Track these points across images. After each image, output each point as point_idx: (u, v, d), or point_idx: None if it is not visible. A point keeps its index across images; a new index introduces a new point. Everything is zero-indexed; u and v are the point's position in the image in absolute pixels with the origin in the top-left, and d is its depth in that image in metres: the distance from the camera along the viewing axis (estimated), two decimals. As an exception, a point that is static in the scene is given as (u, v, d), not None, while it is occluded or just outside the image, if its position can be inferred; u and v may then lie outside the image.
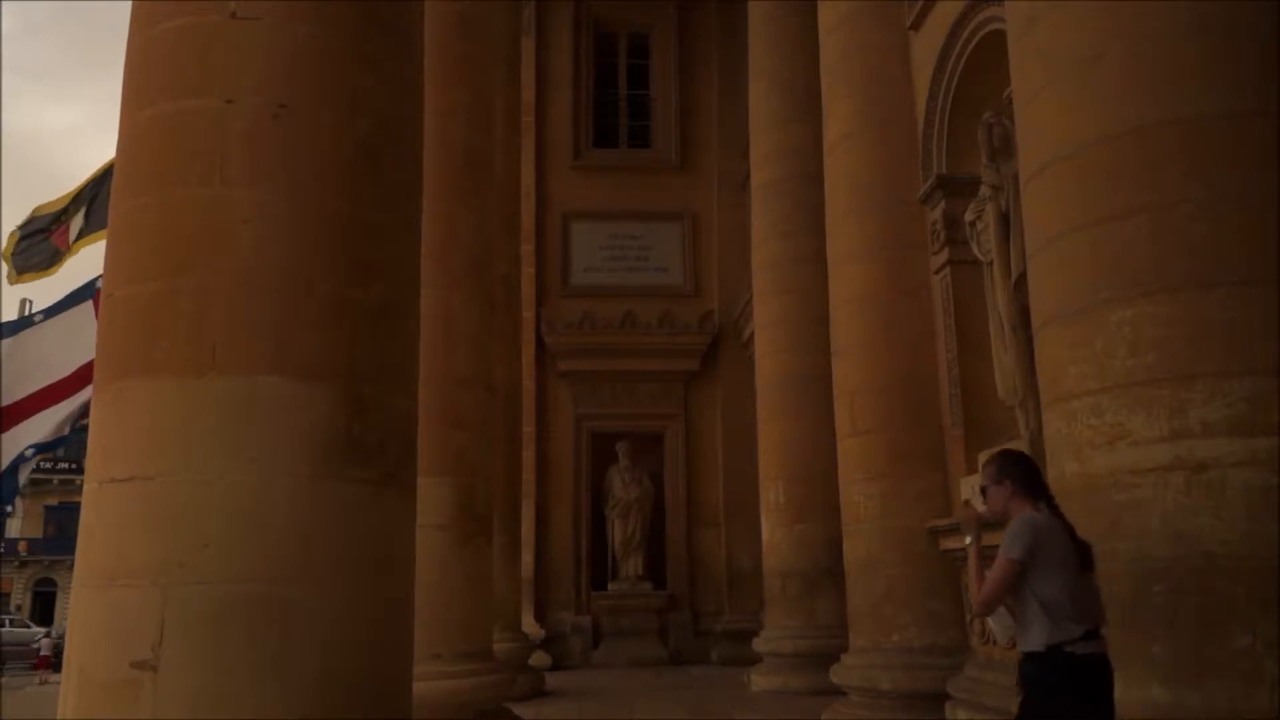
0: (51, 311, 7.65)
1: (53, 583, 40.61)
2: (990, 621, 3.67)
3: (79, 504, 3.33)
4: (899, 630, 7.13)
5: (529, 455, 14.13)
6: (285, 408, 3.13)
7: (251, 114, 3.28)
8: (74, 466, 36.13)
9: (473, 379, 7.29)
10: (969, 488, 6.74)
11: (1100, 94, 3.84)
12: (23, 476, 7.78)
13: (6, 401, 7.42)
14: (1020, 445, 6.26)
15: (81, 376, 7.29)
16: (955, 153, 7.40)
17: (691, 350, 15.57)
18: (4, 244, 9.05)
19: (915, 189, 7.68)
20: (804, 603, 10.00)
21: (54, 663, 20.73)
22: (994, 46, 6.44)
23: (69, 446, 7.93)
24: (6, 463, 7.47)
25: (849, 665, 7.52)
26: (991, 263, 6.61)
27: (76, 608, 3.16)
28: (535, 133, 15.76)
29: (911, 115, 7.87)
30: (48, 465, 37.14)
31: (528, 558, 13.58)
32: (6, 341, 7.59)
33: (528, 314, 14.56)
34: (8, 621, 32.11)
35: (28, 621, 33.52)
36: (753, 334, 12.12)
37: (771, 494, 10.62)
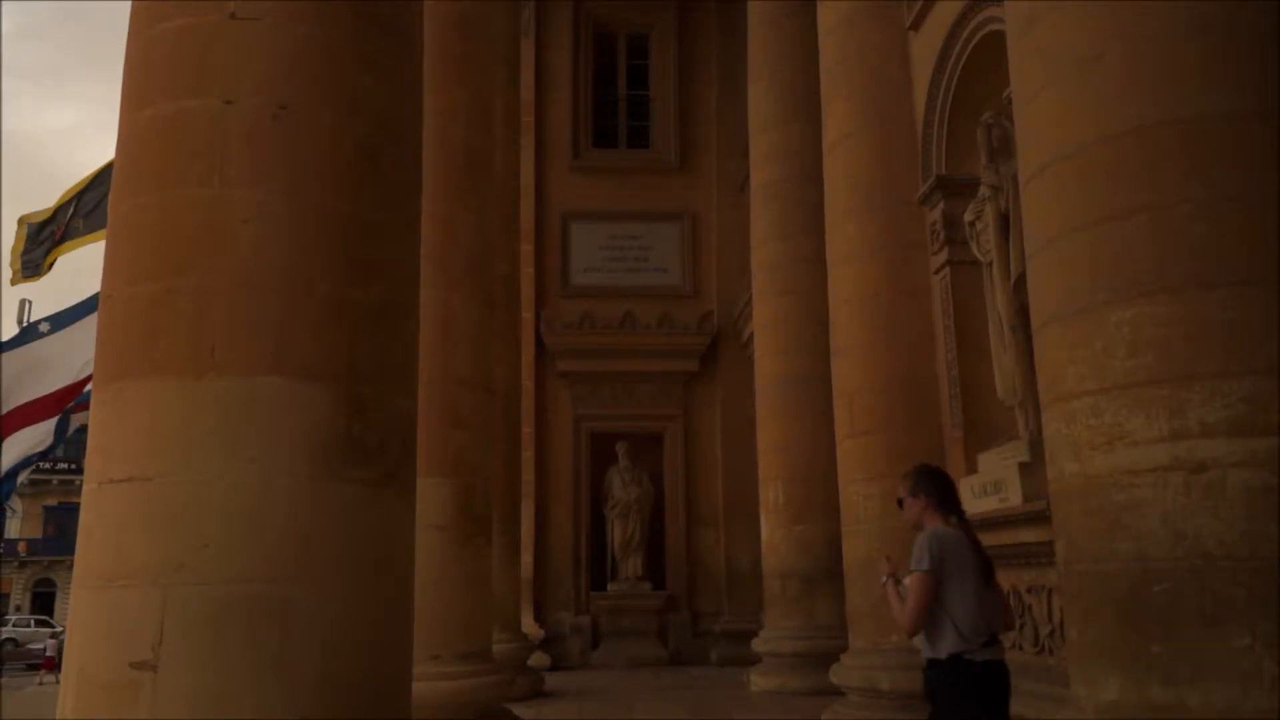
0: (59, 322, 7.68)
1: (52, 583, 40.59)
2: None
3: (78, 504, 3.32)
4: (898, 631, 7.08)
5: (528, 455, 14.14)
6: (285, 408, 3.13)
7: (251, 114, 3.28)
8: (73, 467, 36.11)
9: (472, 379, 7.29)
10: (969, 489, 6.75)
11: (1100, 94, 3.84)
12: (22, 476, 7.80)
13: (10, 407, 7.45)
14: (1020, 445, 6.27)
15: (72, 390, 7.34)
16: (955, 153, 7.40)
17: (691, 351, 15.58)
18: (14, 241, 9.06)
19: (915, 189, 7.68)
20: (803, 603, 9.99)
21: (59, 663, 20.74)
22: (993, 47, 6.44)
23: (69, 447, 7.96)
24: (8, 467, 7.51)
25: (848, 665, 7.52)
26: (991, 263, 6.61)
27: (76, 608, 3.15)
28: (535, 133, 15.77)
29: (911, 116, 7.87)
30: (47, 466, 37.15)
31: (527, 558, 13.59)
32: (15, 353, 7.64)
33: (527, 314, 14.57)
34: (32, 623, 32.22)
35: (51, 622, 33.53)
36: (752, 334, 12.12)
37: (771, 494, 10.62)
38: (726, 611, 14.72)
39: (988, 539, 6.35)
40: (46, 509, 41.02)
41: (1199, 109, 3.65)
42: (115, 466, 3.12)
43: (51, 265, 8.98)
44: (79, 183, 8.95)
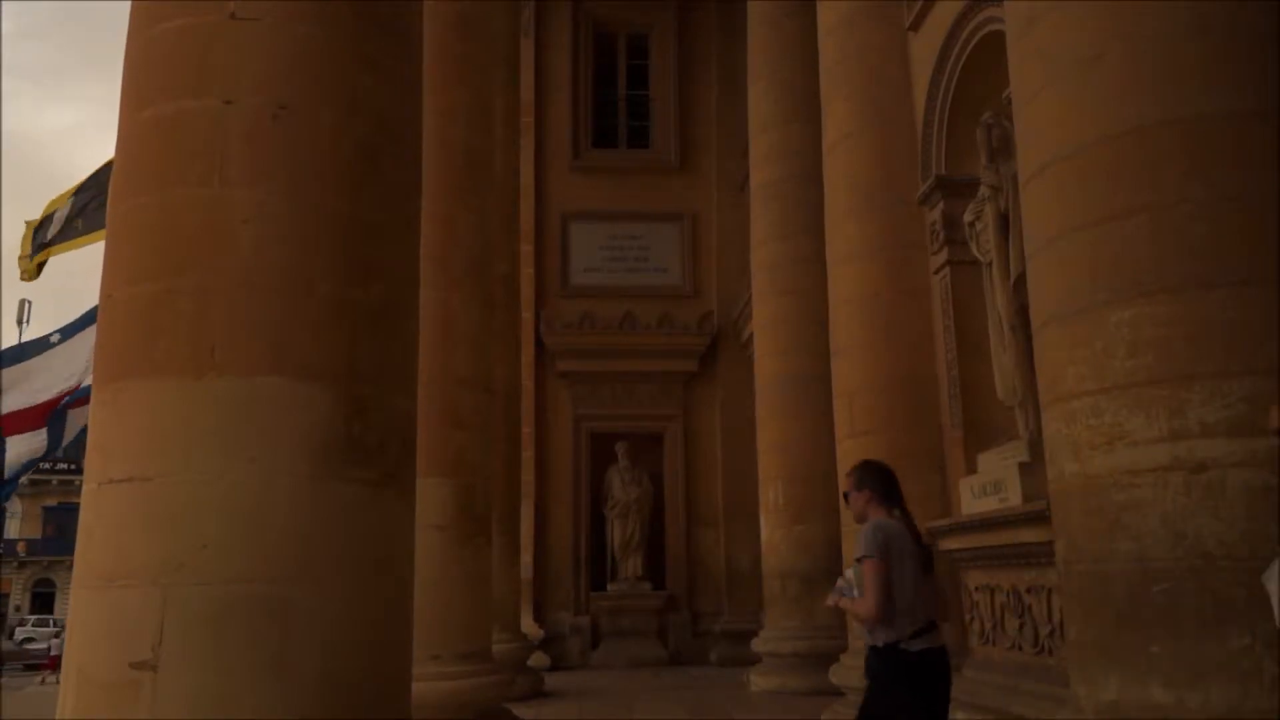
0: (69, 332, 7.71)
1: (52, 583, 40.62)
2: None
3: (78, 504, 3.33)
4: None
5: (528, 456, 14.14)
6: (285, 408, 3.13)
7: (251, 114, 3.28)
8: (73, 467, 36.13)
9: (472, 379, 7.29)
10: (968, 489, 6.75)
11: (1100, 94, 3.84)
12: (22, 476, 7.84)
13: (15, 408, 7.48)
14: (1020, 445, 6.26)
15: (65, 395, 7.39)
16: (954, 153, 7.40)
17: (691, 351, 15.57)
18: (21, 243, 9.06)
19: (914, 189, 7.68)
20: (803, 603, 9.99)
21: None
22: (993, 47, 6.44)
23: (68, 447, 7.98)
24: (12, 470, 7.55)
25: (848, 666, 7.52)
26: (990, 263, 6.61)
27: (76, 608, 3.15)
28: (535, 133, 15.76)
29: (911, 116, 7.87)
30: (47, 466, 37.16)
31: (527, 558, 13.58)
32: (27, 365, 7.70)
33: (527, 314, 14.56)
34: (51, 623, 32.30)
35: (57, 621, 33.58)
36: (752, 334, 12.12)
37: (771, 494, 10.62)
38: (726, 611, 14.72)
39: (987, 539, 6.37)
40: (46, 509, 41.04)
41: (1199, 109, 3.65)
42: (115, 466, 3.12)
43: (42, 267, 8.99)
44: (73, 187, 8.95)
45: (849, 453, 7.71)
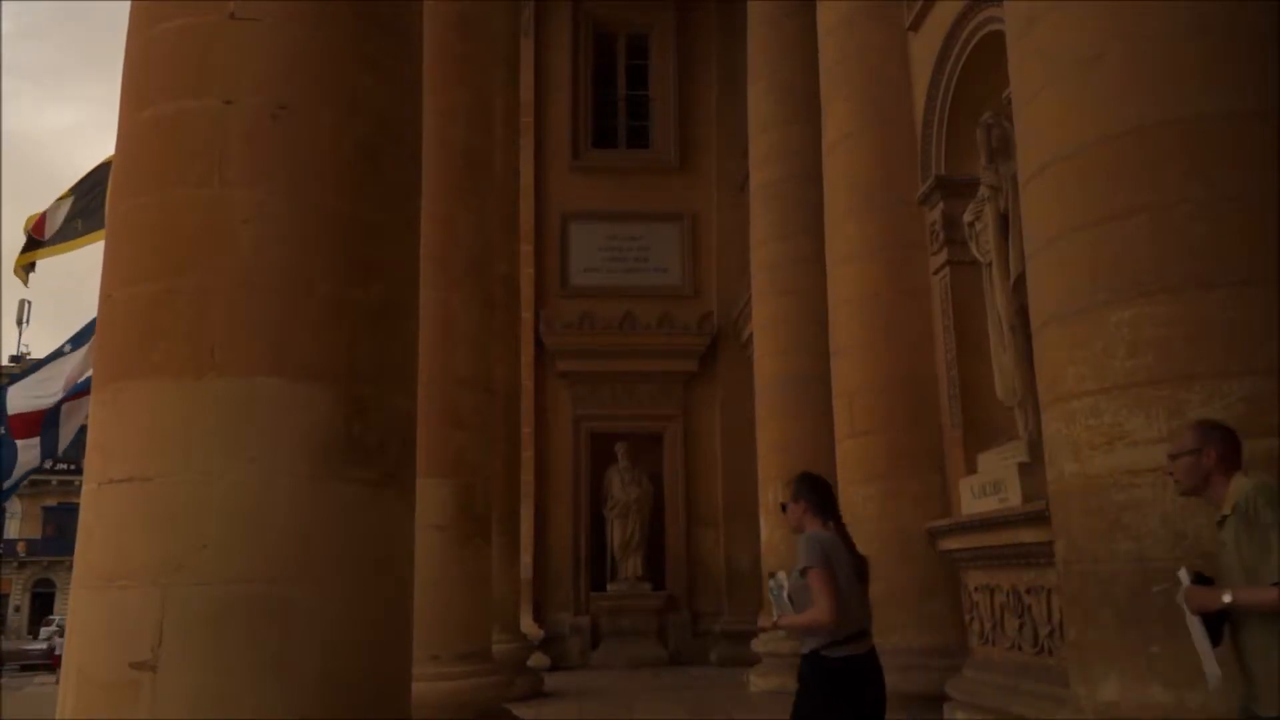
0: (79, 340, 7.74)
1: (51, 583, 40.58)
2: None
3: (78, 505, 3.32)
4: (897, 631, 7.12)
5: (528, 456, 14.13)
6: (285, 408, 3.13)
7: (251, 114, 3.27)
8: (73, 467, 36.09)
9: (472, 379, 7.29)
10: (968, 489, 6.75)
11: (1100, 94, 3.84)
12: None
13: (19, 410, 7.52)
14: (1019, 445, 6.27)
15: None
16: (954, 153, 7.40)
17: (690, 351, 15.57)
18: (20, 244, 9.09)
19: (914, 190, 7.68)
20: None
21: None
22: (993, 47, 6.44)
23: (67, 447, 8.00)
24: (21, 472, 7.60)
25: (848, 666, 7.51)
26: (990, 264, 6.61)
27: (75, 608, 3.15)
28: (534, 133, 15.75)
29: (910, 116, 7.87)
30: (46, 465, 37.13)
31: (526, 558, 13.57)
32: (40, 371, 7.76)
33: (527, 314, 14.55)
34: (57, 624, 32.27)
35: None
36: (752, 335, 12.12)
37: (770, 494, 10.61)
38: (726, 612, 14.71)
39: (987, 539, 6.37)
40: (46, 509, 41.00)
41: (1199, 109, 3.65)
42: (115, 466, 3.12)
43: (32, 267, 9.00)
44: (65, 191, 8.96)
45: (849, 453, 7.72)
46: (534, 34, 16.02)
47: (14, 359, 39.64)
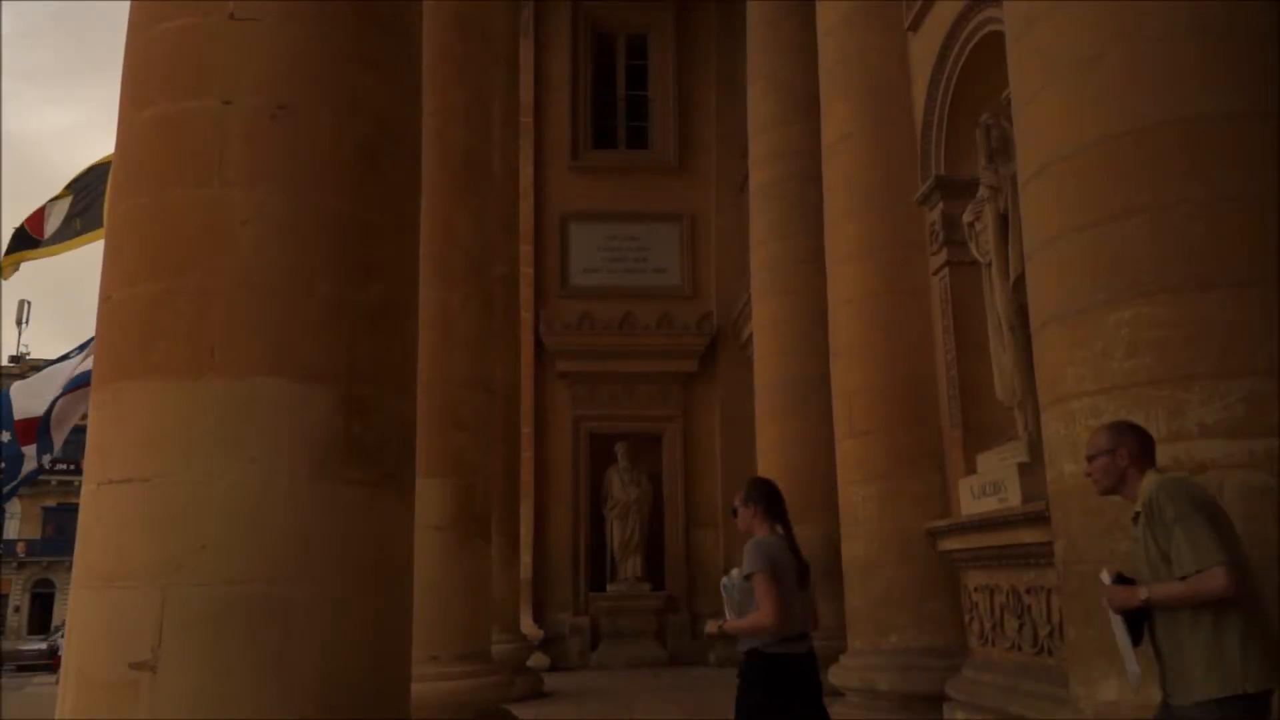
0: (85, 348, 7.76)
1: (51, 584, 40.54)
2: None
3: (77, 505, 3.32)
4: (897, 631, 7.13)
5: (527, 456, 14.13)
6: (284, 408, 3.13)
7: (250, 114, 3.27)
8: (72, 468, 36.09)
9: (472, 380, 7.29)
10: (968, 489, 6.75)
11: (1100, 94, 3.84)
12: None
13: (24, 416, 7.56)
14: (1019, 446, 6.26)
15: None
16: (954, 154, 7.40)
17: (690, 351, 15.57)
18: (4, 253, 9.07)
19: (914, 190, 7.68)
20: (802, 604, 9.97)
21: None
22: (993, 47, 6.44)
23: (67, 447, 8.02)
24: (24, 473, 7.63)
25: (847, 666, 7.52)
26: (990, 264, 6.61)
27: (75, 609, 3.15)
28: (534, 133, 15.76)
29: (910, 116, 7.87)
30: (46, 465, 37.08)
31: (526, 559, 13.58)
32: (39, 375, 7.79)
33: (526, 315, 14.56)
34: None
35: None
36: (751, 335, 12.11)
37: (770, 495, 10.59)
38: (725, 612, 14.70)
39: (987, 539, 6.37)
40: (45, 510, 40.97)
41: (1199, 109, 3.65)
42: (114, 467, 3.12)
43: (16, 267, 9.00)
44: (59, 192, 8.96)
45: (849, 453, 7.72)
46: (533, 34, 16.03)
47: (14, 359, 39.67)
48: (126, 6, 3.58)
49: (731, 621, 4.24)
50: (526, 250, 14.76)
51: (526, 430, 14.13)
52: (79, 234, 8.86)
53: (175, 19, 3.40)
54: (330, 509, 3.15)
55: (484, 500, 7.31)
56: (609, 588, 14.77)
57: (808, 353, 9.88)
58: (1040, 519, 5.28)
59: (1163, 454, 3.43)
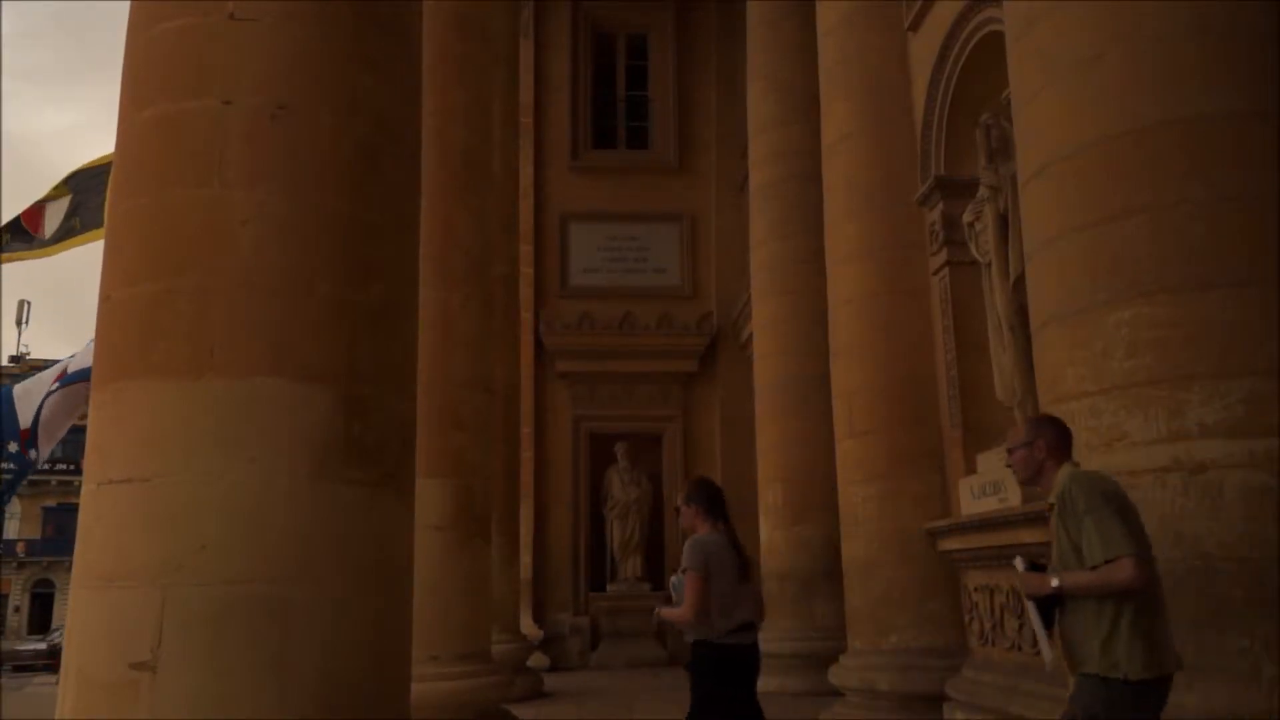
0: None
1: (51, 584, 40.53)
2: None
3: (77, 505, 3.32)
4: (897, 631, 7.13)
5: (527, 456, 14.13)
6: (284, 408, 3.13)
7: (250, 115, 3.27)
8: (72, 467, 36.10)
9: (471, 380, 7.29)
10: (968, 489, 6.75)
11: (1100, 94, 3.84)
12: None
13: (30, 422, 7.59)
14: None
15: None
16: (954, 154, 7.40)
17: (690, 351, 15.57)
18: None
19: (914, 190, 7.68)
20: (802, 604, 9.98)
21: None
22: (993, 47, 6.44)
23: (66, 446, 8.05)
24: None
25: (847, 666, 7.52)
26: (990, 264, 6.61)
27: (75, 609, 3.15)
28: (534, 134, 15.75)
29: (910, 116, 7.87)
30: (46, 466, 37.13)
31: (526, 559, 13.57)
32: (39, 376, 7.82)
33: (526, 315, 14.55)
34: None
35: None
36: (751, 335, 12.11)
37: (770, 495, 10.61)
38: (725, 612, 14.70)
39: (987, 539, 6.37)
40: (45, 510, 40.96)
41: (1199, 109, 3.65)
42: (114, 467, 3.12)
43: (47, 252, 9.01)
44: (62, 186, 8.95)
45: (849, 453, 7.72)
46: (533, 34, 16.03)
47: (14, 359, 39.67)
48: (126, 6, 3.58)
49: (665, 610, 4.54)
50: (526, 250, 14.76)
51: (526, 430, 14.13)
52: (78, 233, 8.86)
53: (175, 19, 3.40)
54: (330, 509, 3.15)
55: (484, 500, 7.31)
56: (609, 588, 14.76)
57: (808, 353, 9.89)
58: (1040, 519, 5.28)
59: (1163, 454, 3.43)
